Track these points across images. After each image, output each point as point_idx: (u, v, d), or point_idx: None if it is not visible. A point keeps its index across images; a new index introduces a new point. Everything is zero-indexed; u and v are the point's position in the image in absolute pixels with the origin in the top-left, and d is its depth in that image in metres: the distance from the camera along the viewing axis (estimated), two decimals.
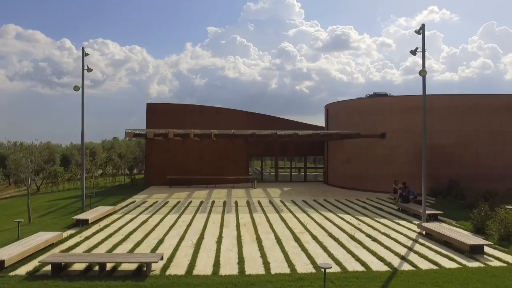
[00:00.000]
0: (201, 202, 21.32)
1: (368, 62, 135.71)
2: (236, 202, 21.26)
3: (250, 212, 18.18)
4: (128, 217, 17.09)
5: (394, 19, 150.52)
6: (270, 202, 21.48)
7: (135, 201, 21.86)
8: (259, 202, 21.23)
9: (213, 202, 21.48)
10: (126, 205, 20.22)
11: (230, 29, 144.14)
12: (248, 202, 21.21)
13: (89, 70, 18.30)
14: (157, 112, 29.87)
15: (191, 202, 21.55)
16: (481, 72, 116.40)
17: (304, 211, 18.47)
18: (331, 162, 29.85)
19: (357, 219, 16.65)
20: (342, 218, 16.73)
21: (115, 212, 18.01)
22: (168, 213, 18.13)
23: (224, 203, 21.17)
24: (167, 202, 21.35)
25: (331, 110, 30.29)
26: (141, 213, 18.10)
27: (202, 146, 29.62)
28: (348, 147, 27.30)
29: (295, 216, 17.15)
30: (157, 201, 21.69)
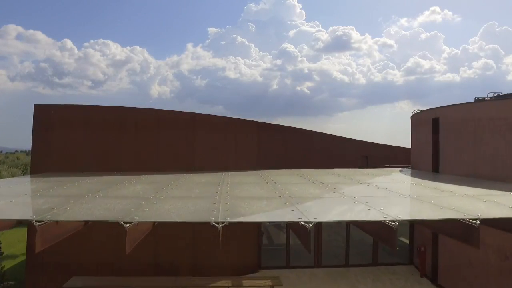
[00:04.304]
0: None
1: (369, 63, 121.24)
2: None
3: None
4: None
5: (395, 19, 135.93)
6: None
7: None
8: None
9: None
10: None
11: (230, 29, 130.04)
12: None
13: None
14: (55, 125, 13.39)
15: None
16: (483, 73, 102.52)
17: None
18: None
19: None
20: None
21: None
22: None
23: None
24: None
25: (446, 122, 13.61)
26: None
27: None
28: None
29: None
30: None
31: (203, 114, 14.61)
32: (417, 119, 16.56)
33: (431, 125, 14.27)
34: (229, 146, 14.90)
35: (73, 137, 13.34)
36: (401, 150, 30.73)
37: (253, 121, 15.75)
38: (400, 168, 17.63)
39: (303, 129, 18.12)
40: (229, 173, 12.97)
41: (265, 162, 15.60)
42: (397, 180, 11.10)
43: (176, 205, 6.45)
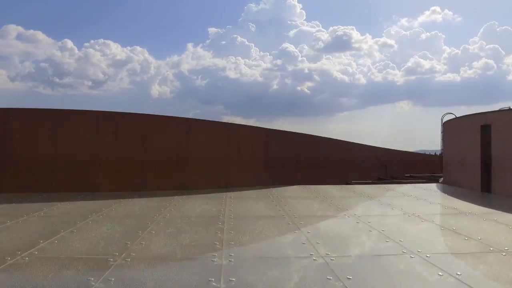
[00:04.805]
0: None
1: (370, 63, 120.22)
2: None
3: None
4: None
5: (396, 19, 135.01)
6: None
7: None
8: None
9: None
10: None
11: (231, 29, 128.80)
12: None
13: None
14: (15, 133, 10.74)
15: None
16: (483, 73, 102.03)
17: None
18: None
19: None
20: None
21: None
22: None
23: None
24: None
25: (502, 130, 10.93)
26: None
27: None
28: None
29: None
30: None
31: (199, 119, 12.00)
32: (454, 125, 13.95)
33: (479, 133, 11.64)
34: (231, 157, 12.30)
35: (38, 147, 10.71)
36: (420, 157, 28.10)
37: (260, 128, 13.13)
38: (434, 183, 15.03)
39: (318, 136, 15.56)
40: (232, 194, 10.35)
41: (274, 176, 13.01)
42: (451, 209, 8.46)
43: (147, 286, 3.82)
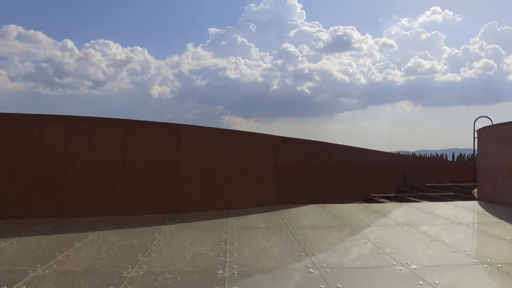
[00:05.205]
0: None
1: (370, 63, 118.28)
2: None
3: None
4: None
5: (396, 19, 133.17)
6: None
7: None
8: None
9: None
10: None
11: (231, 29, 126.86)
12: None
13: None
14: None
15: None
16: (483, 73, 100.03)
17: None
18: None
19: None
20: None
21: None
22: None
23: None
24: None
25: None
26: None
27: None
28: None
29: None
30: None
31: (193, 126, 9.80)
32: (498, 132, 11.80)
33: None
34: (233, 171, 10.13)
35: None
36: (438, 163, 25.97)
37: (269, 135, 10.95)
38: (466, 196, 12.93)
39: (333, 144, 13.40)
40: (234, 222, 8.19)
41: (284, 192, 10.89)
42: None
43: None
